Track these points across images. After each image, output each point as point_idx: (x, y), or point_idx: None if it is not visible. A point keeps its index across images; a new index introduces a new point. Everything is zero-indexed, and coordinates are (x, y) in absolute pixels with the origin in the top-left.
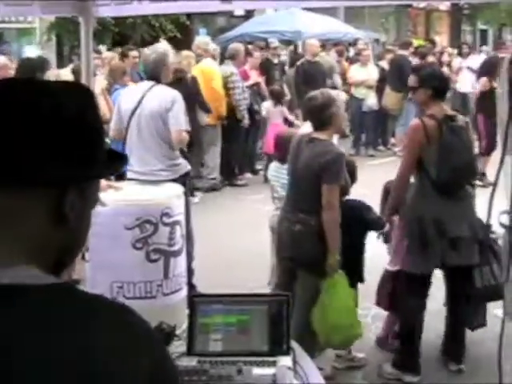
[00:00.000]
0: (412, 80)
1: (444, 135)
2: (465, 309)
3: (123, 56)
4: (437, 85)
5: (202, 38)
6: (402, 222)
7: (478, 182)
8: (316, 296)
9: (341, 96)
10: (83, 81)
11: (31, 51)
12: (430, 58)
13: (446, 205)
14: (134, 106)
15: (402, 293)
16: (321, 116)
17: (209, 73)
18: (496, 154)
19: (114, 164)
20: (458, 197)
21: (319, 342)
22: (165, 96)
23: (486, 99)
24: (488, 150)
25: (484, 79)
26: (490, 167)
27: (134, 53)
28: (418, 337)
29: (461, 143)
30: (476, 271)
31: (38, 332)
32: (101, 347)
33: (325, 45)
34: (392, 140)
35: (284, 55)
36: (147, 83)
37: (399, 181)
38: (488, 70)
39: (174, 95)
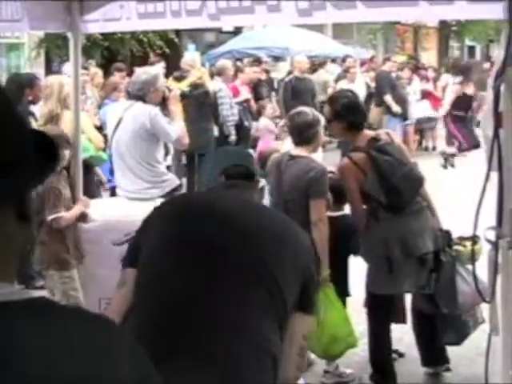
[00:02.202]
0: (327, 112)
1: (376, 160)
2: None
3: (110, 73)
4: (351, 117)
5: (190, 55)
6: (364, 247)
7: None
8: None
9: (321, 117)
10: (71, 95)
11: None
12: (406, 73)
13: (404, 224)
14: (114, 126)
15: (369, 311)
16: (308, 132)
17: None
18: (477, 153)
19: (47, 164)
20: (412, 212)
21: (307, 358)
22: (142, 115)
23: (458, 102)
24: (469, 148)
25: (457, 86)
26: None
27: (121, 73)
28: (386, 354)
29: (394, 160)
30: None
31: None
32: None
33: (325, 61)
34: None
35: (274, 71)
36: (128, 102)
37: (356, 217)
38: (462, 74)
39: (149, 112)
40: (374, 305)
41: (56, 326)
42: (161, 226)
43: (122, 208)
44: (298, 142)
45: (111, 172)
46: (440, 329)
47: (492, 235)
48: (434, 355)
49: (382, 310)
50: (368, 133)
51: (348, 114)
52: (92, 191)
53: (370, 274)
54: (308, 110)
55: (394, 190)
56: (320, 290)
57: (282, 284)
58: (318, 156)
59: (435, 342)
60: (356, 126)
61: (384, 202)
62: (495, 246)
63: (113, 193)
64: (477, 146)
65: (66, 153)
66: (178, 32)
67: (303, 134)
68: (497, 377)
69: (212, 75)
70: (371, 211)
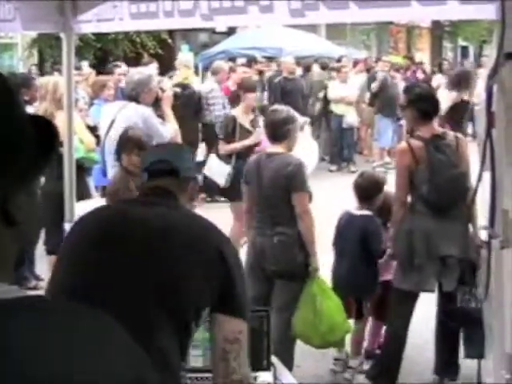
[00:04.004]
0: (402, 99)
1: (430, 155)
2: (454, 330)
3: (106, 73)
4: (424, 107)
5: (184, 56)
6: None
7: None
8: (295, 303)
9: (301, 120)
10: (65, 96)
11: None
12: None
13: (436, 223)
14: (107, 126)
15: (390, 305)
16: (282, 129)
17: None
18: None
19: (45, 156)
20: (451, 216)
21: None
22: (135, 116)
23: (455, 111)
24: None
25: (454, 94)
26: None
27: (119, 70)
28: (399, 353)
29: (448, 161)
30: (460, 290)
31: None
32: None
33: (327, 64)
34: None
35: (269, 70)
36: (121, 103)
37: (396, 205)
38: (459, 83)
39: (142, 113)
40: (396, 300)
41: (52, 323)
42: (71, 247)
43: None
44: (274, 139)
45: (103, 173)
46: (465, 342)
47: (484, 235)
48: (449, 367)
49: (403, 307)
50: (437, 128)
51: (419, 103)
52: (84, 192)
53: (395, 267)
54: (283, 108)
55: (436, 188)
56: (313, 280)
57: (178, 291)
58: (298, 155)
59: (455, 354)
60: (425, 115)
61: (426, 196)
62: (488, 245)
63: (105, 194)
64: None
65: (136, 159)
66: (171, 33)
67: (277, 130)
68: (489, 376)
69: (203, 76)
70: (411, 202)
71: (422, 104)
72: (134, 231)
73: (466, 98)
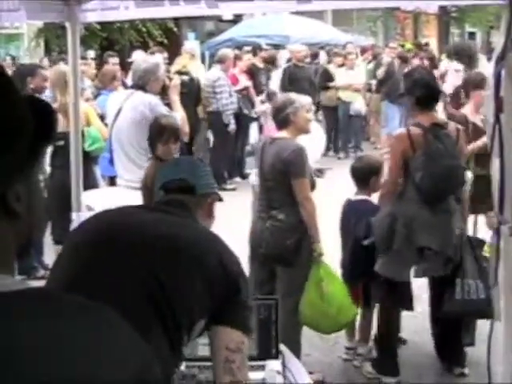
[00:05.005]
0: (401, 87)
1: (428, 143)
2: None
3: (103, 63)
4: (420, 94)
5: (189, 44)
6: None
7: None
8: (301, 289)
9: (304, 100)
10: (71, 86)
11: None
12: (415, 61)
13: (422, 212)
14: (114, 115)
15: (379, 294)
16: (278, 116)
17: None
18: None
19: (42, 143)
20: (439, 208)
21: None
22: (142, 105)
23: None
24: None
25: (460, 74)
26: None
27: (114, 59)
28: (395, 337)
29: (446, 151)
30: (458, 282)
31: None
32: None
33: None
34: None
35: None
36: (128, 91)
37: (384, 188)
38: (457, 53)
39: (149, 101)
40: (385, 291)
41: (53, 319)
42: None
43: (122, 197)
44: (278, 125)
45: (111, 162)
46: (464, 331)
47: (494, 222)
48: (455, 355)
49: (391, 297)
50: (436, 116)
51: (417, 90)
52: (91, 181)
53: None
54: (280, 96)
55: (431, 176)
56: (318, 265)
57: (175, 301)
58: (305, 141)
59: (458, 344)
60: (422, 102)
61: (418, 183)
62: (497, 232)
63: (112, 182)
64: None
65: (174, 147)
66: (177, 21)
67: (278, 116)
68: (499, 361)
69: (211, 63)
70: (403, 189)
71: (419, 91)
72: (135, 236)
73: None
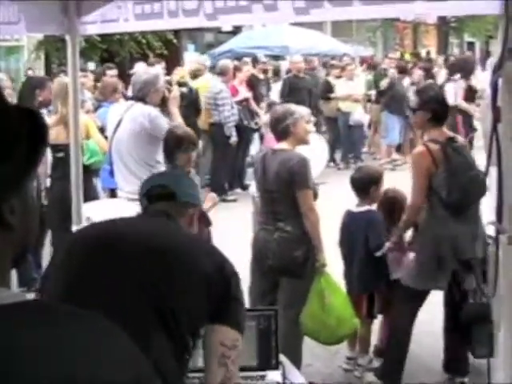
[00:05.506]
0: (413, 102)
1: (449, 157)
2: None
3: (102, 75)
4: (435, 110)
5: (194, 55)
6: (416, 241)
7: None
8: (303, 299)
9: (304, 111)
10: (70, 98)
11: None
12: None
13: (460, 227)
14: (114, 127)
15: (398, 303)
16: (278, 127)
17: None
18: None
19: (35, 154)
20: (469, 217)
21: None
22: (141, 116)
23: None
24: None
25: (461, 81)
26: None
27: (112, 71)
28: (406, 350)
29: (466, 162)
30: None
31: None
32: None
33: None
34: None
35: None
36: (129, 103)
37: (412, 208)
38: (461, 69)
39: (149, 113)
40: (405, 298)
41: (53, 327)
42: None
43: (123, 209)
44: (277, 137)
45: (111, 173)
46: (474, 341)
47: (492, 230)
48: (459, 364)
49: (411, 305)
50: (447, 132)
51: (432, 105)
52: (91, 193)
53: (413, 268)
54: (278, 108)
55: (460, 190)
56: (320, 276)
57: (174, 304)
58: (306, 153)
59: (464, 351)
60: (438, 118)
61: (446, 199)
62: (495, 241)
63: (112, 194)
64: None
65: (194, 154)
66: (177, 33)
67: (276, 127)
68: (499, 370)
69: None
70: (430, 207)
71: (435, 107)
72: (131, 242)
73: (472, 83)
